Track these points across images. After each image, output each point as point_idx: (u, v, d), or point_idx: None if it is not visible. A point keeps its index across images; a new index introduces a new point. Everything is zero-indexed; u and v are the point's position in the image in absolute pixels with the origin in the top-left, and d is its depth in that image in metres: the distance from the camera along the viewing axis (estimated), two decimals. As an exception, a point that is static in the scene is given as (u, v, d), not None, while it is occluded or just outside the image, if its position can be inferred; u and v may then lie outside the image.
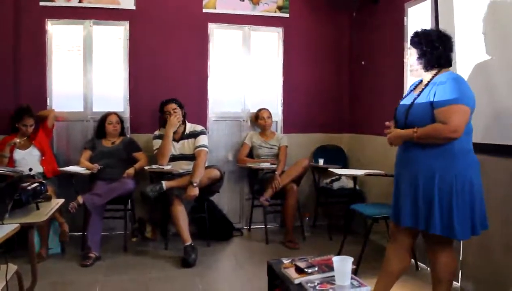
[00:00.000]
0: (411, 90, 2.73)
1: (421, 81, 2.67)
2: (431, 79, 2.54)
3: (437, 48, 2.49)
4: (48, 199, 2.71)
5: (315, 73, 5.38)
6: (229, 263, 4.22)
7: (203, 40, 5.11)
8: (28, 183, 2.52)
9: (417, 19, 4.12)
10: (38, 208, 2.47)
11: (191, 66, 5.07)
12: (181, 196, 4.13)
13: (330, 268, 2.14)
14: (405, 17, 4.24)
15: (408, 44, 2.65)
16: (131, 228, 4.67)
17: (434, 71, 2.55)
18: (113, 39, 4.97)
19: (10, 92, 4.62)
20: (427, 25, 3.85)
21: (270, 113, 5.06)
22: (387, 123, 2.71)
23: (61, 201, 2.76)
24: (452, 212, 2.38)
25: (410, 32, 4.13)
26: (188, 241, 4.03)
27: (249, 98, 5.29)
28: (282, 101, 5.35)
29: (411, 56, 2.61)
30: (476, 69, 3.15)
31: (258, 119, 5.06)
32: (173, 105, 4.51)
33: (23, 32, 4.67)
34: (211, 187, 4.43)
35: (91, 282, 3.54)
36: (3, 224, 1.98)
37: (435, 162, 2.43)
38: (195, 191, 4.14)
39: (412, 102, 2.55)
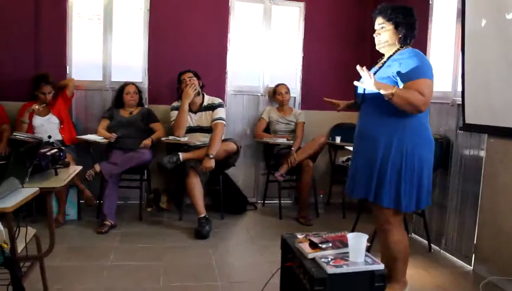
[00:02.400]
0: (372, 66, 2.76)
1: (381, 59, 2.72)
2: (392, 54, 2.60)
3: (414, 28, 2.60)
4: (67, 165, 2.73)
5: (335, 50, 5.31)
6: (242, 236, 4.25)
7: (224, 13, 5.06)
8: (47, 149, 2.55)
9: (443, -3, 4.04)
10: (56, 174, 2.49)
11: (211, 39, 5.03)
12: (197, 168, 4.16)
13: (344, 244, 2.14)
14: (430, -5, 4.15)
15: (382, 20, 2.62)
16: (146, 198, 4.72)
17: (397, 47, 2.60)
18: (133, 9, 4.95)
19: (31, 60, 4.66)
20: (453, 2, 3.77)
21: (288, 89, 5.02)
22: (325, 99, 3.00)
23: (79, 167, 2.78)
24: (400, 184, 2.49)
25: (436, 11, 4.08)
26: (203, 213, 4.06)
27: (268, 73, 5.25)
28: (301, 77, 5.30)
29: (385, 31, 2.60)
30: (504, 49, 3.07)
31: (276, 95, 5.03)
32: (189, 74, 4.51)
33: (44, 0, 4.67)
34: (227, 160, 4.44)
35: (106, 249, 3.60)
36: (23, 187, 2.00)
37: (393, 136, 2.50)
38: (211, 163, 4.16)
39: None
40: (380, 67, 2.63)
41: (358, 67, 2.47)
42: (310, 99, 5.27)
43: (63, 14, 4.75)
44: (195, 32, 4.98)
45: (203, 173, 4.18)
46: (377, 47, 2.68)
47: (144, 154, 4.34)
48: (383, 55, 2.71)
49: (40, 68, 4.59)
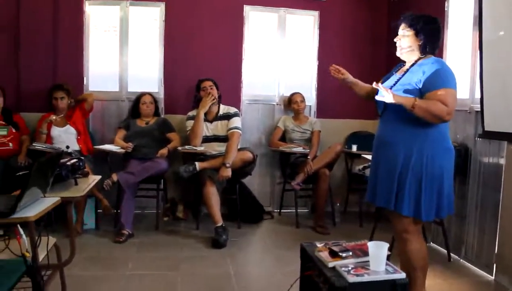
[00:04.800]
0: (393, 73, 2.74)
1: (402, 65, 2.70)
2: (414, 62, 2.58)
3: (436, 37, 2.56)
4: (86, 175, 2.76)
5: (351, 58, 5.28)
6: (259, 245, 4.24)
7: (238, 22, 5.09)
8: (67, 159, 2.58)
9: (459, 2, 4.01)
10: (76, 183, 2.52)
11: (226, 49, 5.07)
12: (214, 177, 4.16)
13: (365, 253, 2.12)
14: (446, 1, 4.13)
15: (405, 26, 2.60)
16: (163, 208, 4.73)
17: (418, 55, 2.58)
18: (149, 20, 5.01)
19: (49, 72, 4.73)
20: (470, 9, 3.75)
21: (303, 98, 5.02)
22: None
23: (98, 177, 2.81)
24: (420, 193, 2.46)
25: (452, 18, 4.07)
26: (220, 222, 4.06)
27: (283, 82, 5.26)
28: (316, 86, 5.30)
29: (405, 37, 2.58)
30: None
31: (291, 103, 5.03)
32: (210, 83, 4.55)
33: (62, 12, 4.74)
34: (244, 169, 4.44)
35: (124, 258, 3.61)
36: (44, 197, 2.02)
37: (413, 145, 2.47)
38: (228, 172, 4.16)
39: (395, 84, 2.57)
40: (402, 75, 2.61)
41: (374, 84, 2.48)
42: (325, 108, 5.27)
43: (80, 26, 4.83)
44: (210, 42, 5.01)
45: (219, 182, 4.18)
46: (397, 53, 2.67)
47: (161, 164, 4.36)
48: (402, 61, 2.70)
49: (57, 80, 4.65)
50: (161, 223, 4.52)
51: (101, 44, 4.96)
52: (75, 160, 2.55)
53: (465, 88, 3.80)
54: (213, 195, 4.12)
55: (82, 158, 2.74)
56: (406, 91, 2.49)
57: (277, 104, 5.25)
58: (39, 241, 2.23)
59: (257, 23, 5.19)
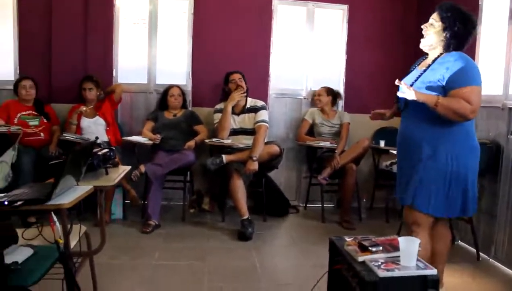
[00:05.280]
0: (416, 66, 2.68)
1: (425, 58, 2.65)
2: (437, 57, 2.51)
3: (463, 39, 2.48)
4: (116, 165, 2.80)
5: (379, 53, 5.23)
6: (285, 238, 4.24)
7: (267, 16, 5.08)
8: (98, 149, 2.62)
9: (494, -3, 3.93)
10: (107, 173, 2.55)
11: (254, 42, 5.06)
12: (240, 170, 4.17)
13: (395, 248, 2.09)
14: (480, -4, 4.04)
15: (437, 16, 2.52)
16: (189, 200, 4.77)
17: (440, 51, 2.52)
18: (177, 13, 5.03)
19: (80, 64, 4.81)
20: (506, 4, 3.66)
21: (324, 91, 4.97)
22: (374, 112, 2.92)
23: (128, 167, 2.84)
24: (443, 190, 2.45)
25: (486, 11, 3.97)
26: (246, 215, 4.07)
27: (310, 76, 5.22)
28: (344, 80, 5.26)
29: (431, 28, 2.51)
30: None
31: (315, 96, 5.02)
32: (239, 75, 4.55)
33: (92, 6, 4.81)
34: (270, 162, 4.43)
35: (151, 248, 3.66)
36: (78, 185, 2.06)
37: (437, 143, 2.44)
38: (255, 165, 4.17)
39: (416, 80, 2.52)
40: (424, 70, 2.55)
41: (397, 81, 2.44)
42: (353, 102, 5.22)
43: (110, 19, 4.89)
44: (238, 35, 5.02)
45: (246, 175, 4.19)
46: (420, 45, 2.61)
47: (188, 156, 4.39)
48: (425, 54, 2.65)
49: (88, 72, 4.73)
50: (187, 214, 4.56)
51: (130, 37, 5.01)
52: (106, 150, 2.59)
53: (498, 84, 3.71)
54: (239, 188, 4.13)
55: (113, 148, 2.77)
56: (428, 88, 2.44)
57: (305, 98, 5.22)
58: (71, 229, 2.28)
59: (285, 16, 5.17)
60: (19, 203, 1.68)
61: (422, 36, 2.60)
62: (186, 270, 3.26)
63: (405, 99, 2.48)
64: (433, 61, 2.52)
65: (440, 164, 2.43)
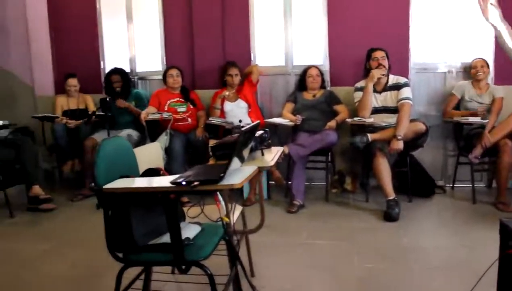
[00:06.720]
0: None
1: None
2: None
3: None
4: (269, 146, 2.88)
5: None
6: (432, 219, 4.07)
7: (404, -14, 4.83)
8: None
9: None
10: (263, 154, 2.63)
11: (391, 17, 4.84)
12: (384, 149, 4.06)
13: None
14: None
15: None
16: (330, 180, 4.77)
17: None
18: (312, -8, 5.02)
19: (220, 50, 5.05)
20: None
21: (485, 63, 4.59)
22: None
23: (281, 148, 2.91)
24: None
25: None
26: (391, 195, 3.97)
27: (456, 48, 4.87)
28: (494, 49, 4.76)
29: None
30: None
31: (471, 69, 4.63)
32: (382, 53, 4.37)
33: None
34: (416, 141, 4.26)
35: (298, 227, 3.77)
36: (241, 166, 2.15)
37: None
38: (400, 145, 4.03)
39: None
40: None
41: None
42: (506, 72, 4.71)
43: (246, 3, 5.05)
44: (374, 9, 4.85)
45: (390, 154, 4.08)
46: None
47: (330, 136, 4.38)
48: None
49: (227, 57, 4.95)
50: (330, 194, 4.57)
51: (265, 20, 5.12)
52: (262, 131, 2.67)
53: None
54: (384, 168, 4.03)
55: (267, 129, 2.84)
56: None
57: (449, 72, 4.90)
58: (233, 208, 2.41)
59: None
60: (196, 183, 1.79)
61: None
62: (334, 249, 3.29)
63: None
64: None
65: None
